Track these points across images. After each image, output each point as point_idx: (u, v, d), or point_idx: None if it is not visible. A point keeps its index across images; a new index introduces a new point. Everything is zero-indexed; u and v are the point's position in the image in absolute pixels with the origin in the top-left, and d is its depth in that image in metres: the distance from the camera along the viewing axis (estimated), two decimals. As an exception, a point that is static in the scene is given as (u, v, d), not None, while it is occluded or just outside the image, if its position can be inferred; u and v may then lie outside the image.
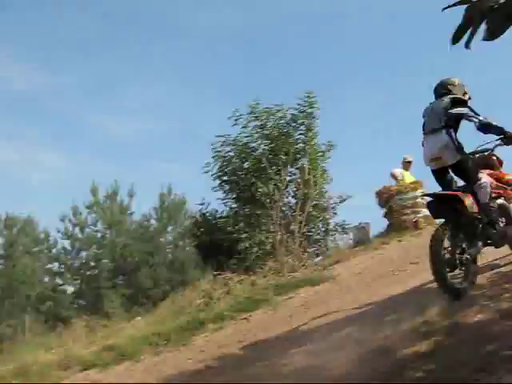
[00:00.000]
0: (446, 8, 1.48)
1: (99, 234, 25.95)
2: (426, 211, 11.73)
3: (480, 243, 6.00)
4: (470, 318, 5.11)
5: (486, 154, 6.38)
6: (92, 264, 25.39)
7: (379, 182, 13.06)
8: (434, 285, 5.95)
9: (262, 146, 14.12)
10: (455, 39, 1.50)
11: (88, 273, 25.27)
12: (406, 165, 12.84)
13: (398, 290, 7.25)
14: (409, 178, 12.47)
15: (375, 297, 7.29)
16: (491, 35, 1.44)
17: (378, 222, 12.96)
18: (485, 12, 1.43)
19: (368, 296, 7.47)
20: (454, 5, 1.46)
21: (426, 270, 7.86)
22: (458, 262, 5.76)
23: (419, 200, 11.74)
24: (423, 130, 6.20)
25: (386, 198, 12.19)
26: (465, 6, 1.46)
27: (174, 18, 44.51)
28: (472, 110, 5.89)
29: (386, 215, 12.35)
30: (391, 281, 8.13)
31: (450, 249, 5.78)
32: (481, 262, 6.30)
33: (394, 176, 12.66)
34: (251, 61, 43.56)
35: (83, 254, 25.72)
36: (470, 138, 6.27)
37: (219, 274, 10.84)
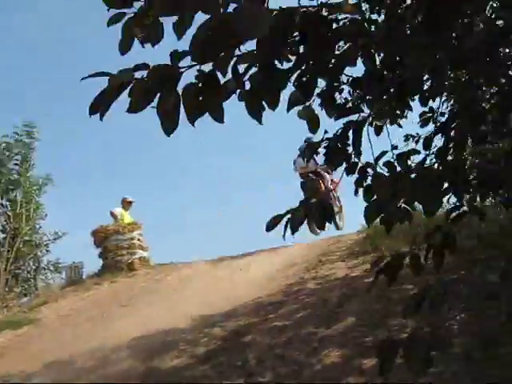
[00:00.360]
0: (84, 78, 1.45)
1: None
2: (142, 252, 11.88)
3: None
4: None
5: None
6: None
7: (99, 220, 12.79)
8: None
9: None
10: (91, 109, 1.49)
11: None
12: (126, 205, 12.78)
13: (106, 333, 7.06)
14: (127, 218, 12.45)
15: (79, 340, 6.98)
16: (133, 109, 1.47)
17: (93, 261, 12.65)
18: (125, 86, 1.45)
19: (72, 339, 7.13)
20: (94, 76, 1.44)
21: (133, 314, 7.92)
22: None
23: (136, 241, 11.79)
24: None
25: (102, 238, 11.95)
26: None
27: None
28: None
29: (101, 255, 12.09)
30: (98, 324, 7.89)
31: None
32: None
33: (113, 215, 12.51)
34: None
35: None
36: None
37: None
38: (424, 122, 3.32)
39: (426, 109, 3.20)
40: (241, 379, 4.48)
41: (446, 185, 2.17)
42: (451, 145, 2.33)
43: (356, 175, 2.55)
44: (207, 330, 6.07)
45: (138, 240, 11.92)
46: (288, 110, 2.32)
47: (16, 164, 13.26)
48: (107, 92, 1.43)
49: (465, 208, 2.38)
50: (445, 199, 2.49)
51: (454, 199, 2.42)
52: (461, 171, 2.10)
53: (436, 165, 2.19)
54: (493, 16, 2.64)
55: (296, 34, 1.54)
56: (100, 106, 1.46)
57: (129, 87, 1.46)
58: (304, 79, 1.93)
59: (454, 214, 2.37)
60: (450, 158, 2.32)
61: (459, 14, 2.13)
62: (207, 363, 4.97)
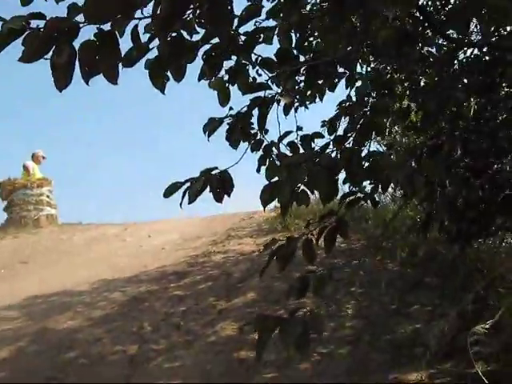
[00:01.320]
0: None
1: None
2: (49, 210, 11.52)
3: None
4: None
5: None
6: None
7: (7, 172, 12.23)
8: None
9: None
10: None
11: None
12: (38, 159, 12.27)
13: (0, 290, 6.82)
14: (37, 173, 12.00)
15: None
16: (25, 59, 1.41)
17: (-2, 215, 12.08)
18: (19, 34, 1.39)
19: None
20: None
21: (33, 271, 7.69)
22: None
23: (44, 198, 11.42)
24: None
25: (8, 191, 11.48)
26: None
27: None
28: None
29: (6, 209, 11.62)
30: (-6, 279, 7.61)
31: None
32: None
33: (26, 168, 11.95)
34: None
35: None
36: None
37: None
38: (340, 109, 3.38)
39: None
40: (134, 345, 4.46)
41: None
42: (352, 133, 2.39)
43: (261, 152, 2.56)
44: (106, 294, 5.99)
45: (47, 197, 11.57)
46: (198, 80, 2.30)
47: None
48: None
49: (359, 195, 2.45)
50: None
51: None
52: (354, 159, 2.15)
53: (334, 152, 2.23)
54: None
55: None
56: None
57: (23, 36, 1.39)
58: (212, 54, 1.91)
59: (347, 200, 2.43)
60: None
61: (362, 3, 2.17)
62: (102, 327, 4.91)
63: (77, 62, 1.45)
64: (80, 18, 1.38)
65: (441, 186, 3.11)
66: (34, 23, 1.41)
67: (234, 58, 2.31)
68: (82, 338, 4.69)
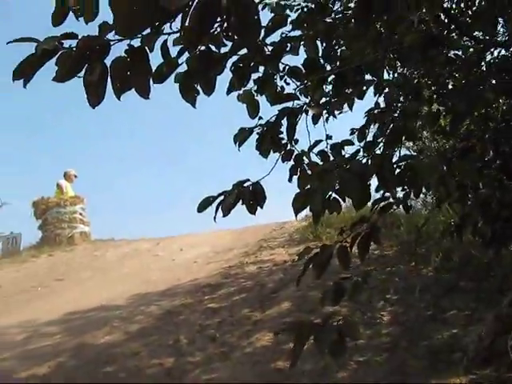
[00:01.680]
0: (10, 42, 1.42)
1: None
2: (83, 227, 11.70)
3: None
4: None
5: None
6: None
7: (39, 191, 12.46)
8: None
9: None
10: (14, 75, 1.46)
11: None
12: (70, 178, 12.55)
13: (39, 306, 6.95)
14: (70, 191, 12.23)
15: (10, 312, 6.84)
16: (59, 79, 1.45)
17: (32, 233, 12.34)
18: (52, 54, 1.43)
19: (3, 311, 6.98)
20: (20, 41, 1.41)
21: (69, 288, 7.82)
22: None
23: (77, 215, 11.61)
24: None
25: (43, 210, 11.71)
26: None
27: None
28: None
29: (40, 227, 11.85)
30: (32, 297, 7.75)
31: None
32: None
33: (59, 187, 12.22)
34: None
35: None
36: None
37: None
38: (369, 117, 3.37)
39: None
40: (171, 358, 4.49)
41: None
42: (382, 139, 2.38)
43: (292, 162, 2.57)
44: (142, 308, 6.06)
45: (80, 214, 11.75)
46: (227, 93, 2.33)
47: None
48: (33, 58, 1.39)
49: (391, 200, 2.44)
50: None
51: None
52: (386, 165, 2.14)
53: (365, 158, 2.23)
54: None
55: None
56: (25, 72, 1.42)
57: (56, 56, 1.43)
58: (240, 65, 1.94)
59: (379, 206, 2.42)
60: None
61: (388, 9, 2.17)
62: (138, 341, 4.96)
63: (109, 79, 1.49)
64: (111, 35, 1.42)
65: (473, 188, 3.08)
66: (66, 43, 1.46)
67: (262, 68, 2.34)
68: (120, 352, 4.74)
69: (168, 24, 1.43)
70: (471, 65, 3.15)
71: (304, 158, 2.56)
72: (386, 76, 3.29)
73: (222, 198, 2.23)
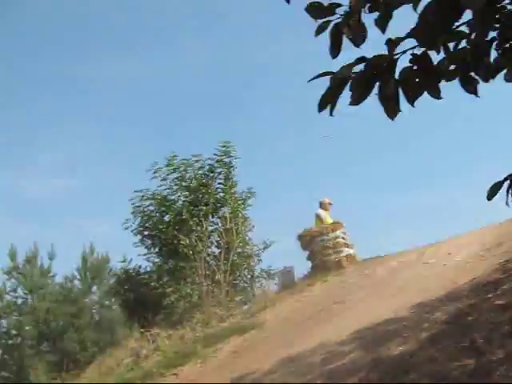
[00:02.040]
0: (310, 80, 1.62)
1: (20, 300, 24.62)
2: (347, 250, 12.08)
3: None
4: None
5: None
6: (14, 332, 23.96)
7: (301, 225, 13.20)
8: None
9: (182, 197, 14.07)
10: (320, 106, 1.65)
11: (10, 342, 23.82)
12: (326, 206, 13.17)
13: (326, 330, 7.36)
14: (328, 219, 12.77)
15: (302, 339, 7.36)
16: (355, 102, 1.60)
17: (302, 264, 13.08)
18: (346, 81, 1.58)
19: (296, 338, 7.54)
20: (318, 77, 1.60)
21: (349, 309, 8.12)
22: None
23: (340, 240, 12.02)
24: None
25: (307, 241, 12.38)
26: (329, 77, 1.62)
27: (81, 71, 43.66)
28: None
29: (309, 257, 12.52)
30: (318, 322, 8.22)
31: None
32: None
33: (318, 217, 12.91)
34: (165, 113, 43.88)
35: (3, 322, 24.24)
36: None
37: (147, 331, 10.64)
38: None
39: None
40: (470, 359, 4.40)
41: None
42: None
43: None
44: (427, 316, 6.03)
45: (343, 238, 12.13)
46: None
47: (220, 183, 14.31)
48: (332, 88, 1.59)
49: None
50: None
51: None
52: None
53: None
54: None
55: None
56: (327, 102, 1.62)
57: (349, 82, 1.61)
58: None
59: None
60: None
61: None
62: (433, 347, 4.95)
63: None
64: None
65: None
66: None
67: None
68: (417, 360, 4.79)
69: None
70: None
71: None
72: None
73: (508, 182, 2.18)
